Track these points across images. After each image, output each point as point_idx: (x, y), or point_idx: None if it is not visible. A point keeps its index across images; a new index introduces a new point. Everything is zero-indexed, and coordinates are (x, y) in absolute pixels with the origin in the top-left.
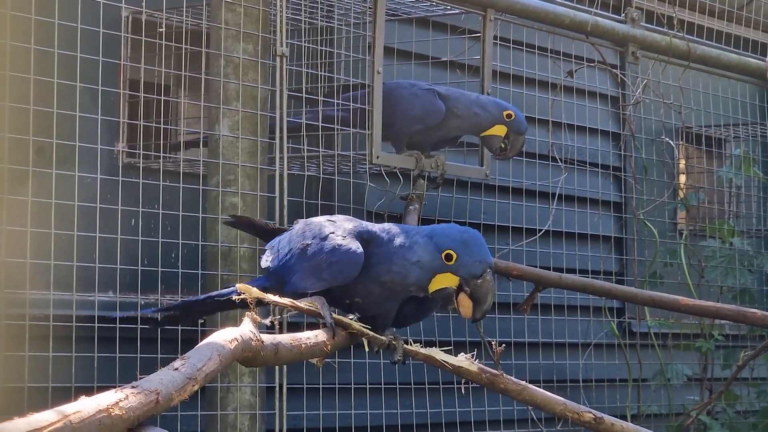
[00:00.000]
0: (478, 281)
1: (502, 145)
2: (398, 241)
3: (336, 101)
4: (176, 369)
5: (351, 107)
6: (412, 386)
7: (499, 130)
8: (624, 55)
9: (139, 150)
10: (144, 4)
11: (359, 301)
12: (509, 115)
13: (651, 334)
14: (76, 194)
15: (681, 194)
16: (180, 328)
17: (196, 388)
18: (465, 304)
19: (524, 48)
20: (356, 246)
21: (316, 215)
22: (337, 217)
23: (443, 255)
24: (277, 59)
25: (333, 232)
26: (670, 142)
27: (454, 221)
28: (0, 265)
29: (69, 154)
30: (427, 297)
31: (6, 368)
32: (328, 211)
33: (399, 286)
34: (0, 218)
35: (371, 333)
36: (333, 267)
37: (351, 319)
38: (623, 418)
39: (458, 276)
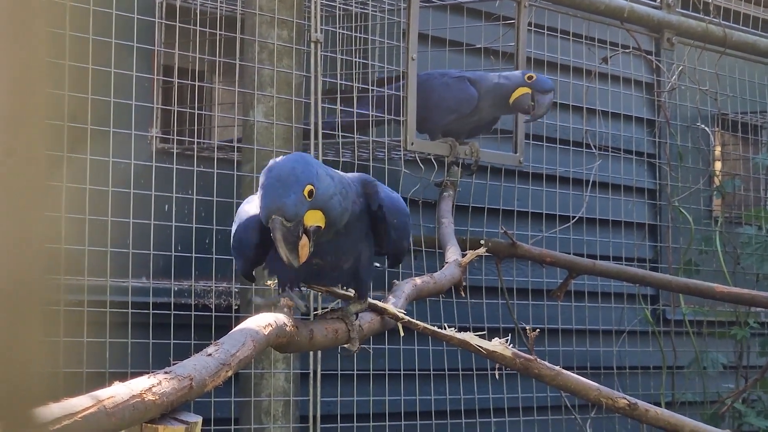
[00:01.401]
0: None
1: (532, 104)
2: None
3: (371, 88)
4: (210, 355)
5: (385, 101)
6: (446, 372)
7: (523, 91)
8: (659, 41)
9: (173, 136)
10: None
11: (319, 261)
12: (530, 77)
13: (686, 321)
14: (110, 180)
15: (716, 181)
16: (214, 313)
17: (229, 374)
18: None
19: (559, 34)
20: None
21: None
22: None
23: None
24: (312, 45)
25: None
26: (706, 128)
27: (487, 208)
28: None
29: (103, 139)
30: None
31: (44, 354)
32: None
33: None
34: (59, 206)
35: (407, 318)
36: None
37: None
38: (657, 405)
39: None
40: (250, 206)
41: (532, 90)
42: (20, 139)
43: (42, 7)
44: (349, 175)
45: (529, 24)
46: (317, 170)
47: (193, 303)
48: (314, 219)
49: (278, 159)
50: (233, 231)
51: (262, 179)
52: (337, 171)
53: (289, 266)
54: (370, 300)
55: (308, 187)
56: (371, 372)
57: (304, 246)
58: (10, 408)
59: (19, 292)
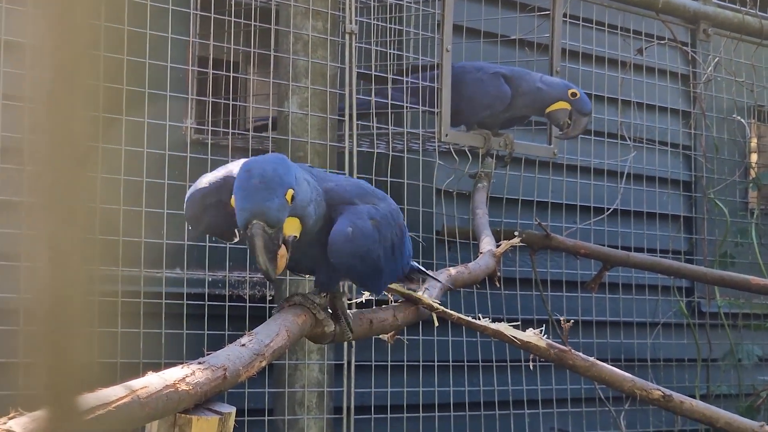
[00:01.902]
0: (247, 234)
1: (568, 121)
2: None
3: (406, 79)
4: (243, 345)
5: (420, 88)
6: (480, 363)
7: (563, 106)
8: (695, 32)
9: (208, 126)
10: None
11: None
12: (573, 94)
13: (721, 314)
14: (145, 170)
15: (752, 173)
16: (248, 304)
17: (263, 364)
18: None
19: (594, 26)
20: None
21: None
22: None
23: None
24: (347, 36)
25: None
26: (742, 120)
27: (522, 200)
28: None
29: (138, 129)
30: None
31: (89, 343)
32: (397, 188)
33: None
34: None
35: (441, 308)
36: None
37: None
38: (692, 398)
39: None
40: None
41: (572, 108)
42: (63, 131)
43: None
44: (337, 180)
45: (565, 15)
46: (295, 173)
47: (227, 294)
48: (292, 228)
49: (256, 158)
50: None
51: (238, 178)
52: (308, 172)
53: (264, 276)
54: (404, 290)
55: (290, 192)
56: (405, 363)
57: (283, 257)
58: (56, 395)
59: (66, 281)
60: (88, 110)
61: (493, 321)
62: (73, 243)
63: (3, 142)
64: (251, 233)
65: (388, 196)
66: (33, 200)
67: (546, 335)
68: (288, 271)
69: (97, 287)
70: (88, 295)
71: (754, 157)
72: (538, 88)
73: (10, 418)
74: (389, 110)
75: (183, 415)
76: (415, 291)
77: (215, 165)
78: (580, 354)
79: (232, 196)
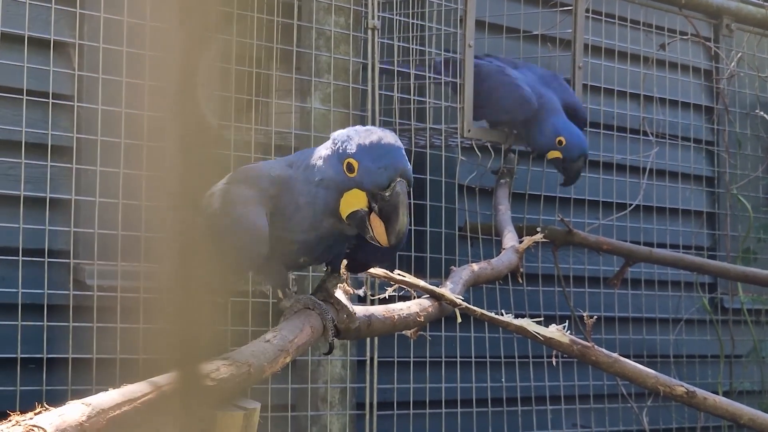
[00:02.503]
0: (386, 194)
1: (563, 167)
2: (307, 163)
3: (429, 74)
4: (268, 341)
5: (443, 81)
6: (502, 359)
7: (555, 155)
8: (718, 27)
9: (231, 122)
10: None
11: (306, 259)
12: (560, 141)
13: (744, 310)
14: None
15: None
16: (271, 300)
17: (287, 360)
18: (378, 228)
19: (616, 21)
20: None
21: None
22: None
23: (344, 165)
24: (369, 32)
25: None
26: (765, 115)
27: (544, 196)
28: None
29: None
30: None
31: (212, 312)
32: (420, 184)
33: (313, 221)
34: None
35: (464, 304)
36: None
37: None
38: (715, 394)
39: (364, 190)
40: (247, 188)
41: (562, 155)
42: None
43: None
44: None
45: (587, 10)
46: None
47: (250, 290)
48: None
49: (364, 126)
50: (237, 217)
51: (366, 138)
52: None
53: (395, 237)
54: (428, 285)
55: None
56: (428, 359)
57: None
58: (185, 361)
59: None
60: (215, 110)
61: (516, 317)
62: (197, 240)
63: (53, 141)
64: (397, 191)
65: None
66: (162, 202)
67: (569, 331)
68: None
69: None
70: (209, 290)
71: None
72: (536, 139)
73: (36, 414)
74: (412, 105)
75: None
76: (438, 287)
77: (238, 161)
78: (603, 350)
79: (351, 159)
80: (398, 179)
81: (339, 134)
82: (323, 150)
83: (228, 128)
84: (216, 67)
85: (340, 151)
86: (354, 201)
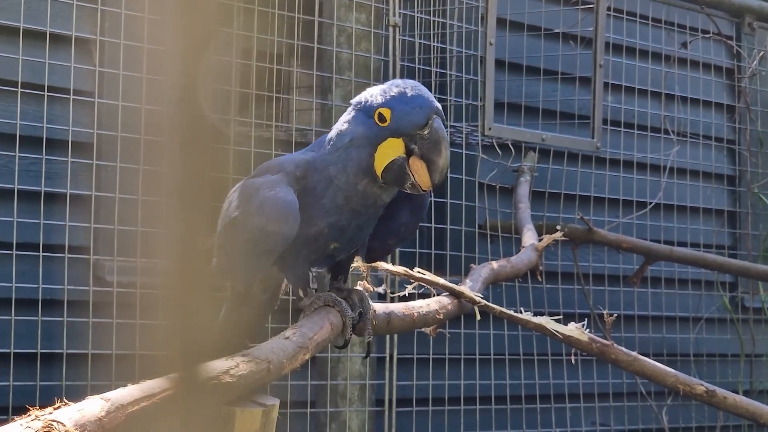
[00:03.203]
0: (425, 132)
1: None
2: (330, 137)
3: (450, 72)
4: (287, 338)
5: (463, 78)
6: (521, 357)
7: None
8: (740, 25)
9: (251, 119)
10: None
11: (336, 246)
12: None
13: (765, 308)
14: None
15: None
16: (291, 297)
17: (307, 357)
18: (419, 170)
19: (638, 19)
20: (284, 193)
21: None
22: (268, 165)
23: (376, 116)
24: (390, 29)
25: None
26: None
27: (564, 194)
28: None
29: None
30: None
31: (211, 314)
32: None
33: (347, 189)
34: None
35: (483, 301)
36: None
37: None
38: (735, 393)
39: (400, 136)
40: (272, 178)
41: None
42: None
43: None
44: None
45: (608, 8)
46: None
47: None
48: None
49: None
50: (263, 199)
51: (394, 85)
52: None
53: (435, 179)
54: (448, 283)
55: None
56: (447, 356)
57: None
58: (186, 362)
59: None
60: (217, 104)
61: (535, 315)
62: (198, 237)
63: (73, 137)
64: (435, 126)
65: None
66: (164, 196)
67: (588, 329)
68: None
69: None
70: (209, 287)
71: None
72: None
73: (56, 409)
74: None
75: (227, 406)
76: (457, 284)
77: (258, 158)
78: (622, 348)
79: (382, 108)
80: (434, 116)
81: (360, 96)
82: (344, 117)
83: (247, 125)
84: (217, 60)
85: (367, 106)
86: (389, 151)
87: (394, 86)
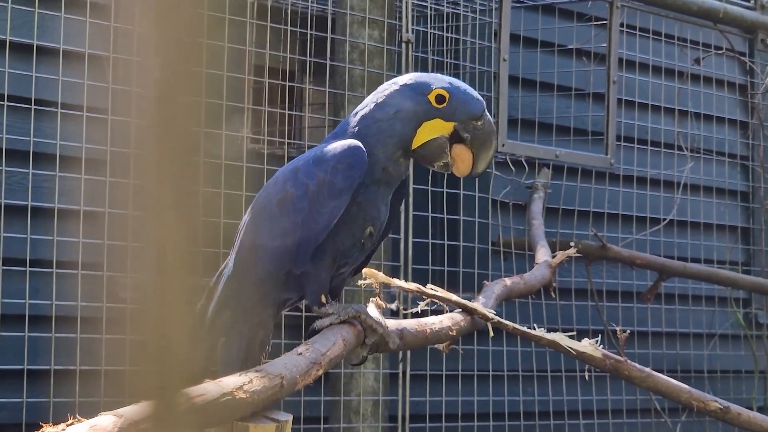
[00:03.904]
0: (479, 123)
1: None
2: (360, 114)
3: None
4: (300, 354)
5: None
6: (535, 373)
7: None
8: (753, 42)
9: (264, 136)
10: None
11: (371, 229)
12: None
13: None
14: (201, 180)
15: None
16: (304, 314)
17: (320, 372)
18: (463, 156)
19: (651, 35)
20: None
21: (441, 203)
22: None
23: (433, 97)
24: (403, 45)
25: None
26: None
27: (578, 210)
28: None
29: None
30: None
31: (189, 341)
32: (453, 199)
33: (386, 162)
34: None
35: (497, 318)
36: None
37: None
38: (749, 410)
39: (453, 120)
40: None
41: None
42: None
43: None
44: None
45: (622, 24)
46: None
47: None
48: None
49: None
50: (323, 157)
51: (450, 81)
52: None
53: (480, 168)
54: (460, 299)
55: None
56: (460, 372)
57: None
58: (161, 390)
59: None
60: (193, 117)
61: (549, 331)
62: (179, 250)
63: (87, 154)
64: (489, 120)
65: None
66: (139, 209)
67: (601, 345)
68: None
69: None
70: (189, 302)
71: None
72: None
73: (68, 425)
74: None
75: (240, 422)
76: (470, 301)
77: (271, 175)
78: (636, 365)
79: (441, 90)
80: (485, 111)
81: (404, 77)
82: (382, 93)
83: (260, 142)
84: (201, 72)
85: (422, 84)
86: (434, 130)
87: (448, 77)
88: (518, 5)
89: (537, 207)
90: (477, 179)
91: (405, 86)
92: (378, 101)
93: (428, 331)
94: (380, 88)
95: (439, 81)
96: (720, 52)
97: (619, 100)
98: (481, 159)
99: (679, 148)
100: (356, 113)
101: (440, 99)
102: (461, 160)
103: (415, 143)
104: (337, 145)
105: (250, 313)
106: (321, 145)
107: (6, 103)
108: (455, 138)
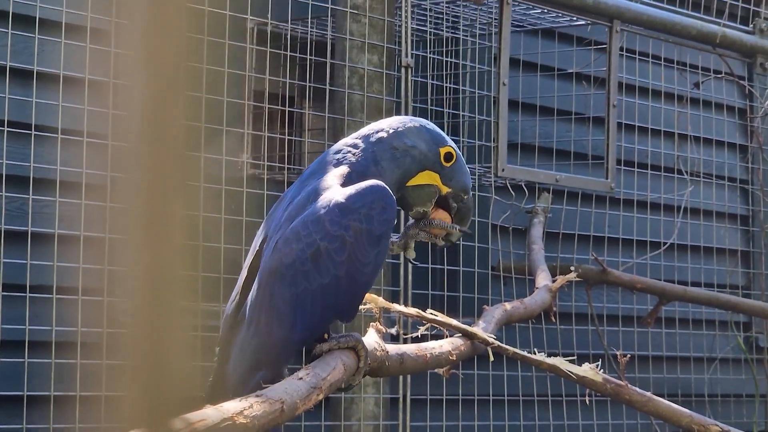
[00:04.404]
0: (466, 197)
1: None
2: (388, 134)
3: (462, 113)
4: (301, 378)
5: (476, 119)
6: (535, 398)
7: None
8: (752, 66)
9: (264, 161)
10: (269, 15)
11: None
12: None
13: None
14: (201, 205)
15: None
16: None
17: (320, 397)
18: (444, 218)
19: (650, 59)
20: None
21: None
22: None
23: (444, 152)
24: (403, 70)
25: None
26: None
27: (578, 234)
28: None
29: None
30: None
31: (185, 366)
32: None
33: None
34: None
35: (497, 342)
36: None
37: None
38: None
39: (449, 186)
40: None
41: None
42: (158, 163)
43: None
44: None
45: (621, 49)
46: None
47: None
48: None
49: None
50: (379, 213)
51: (459, 154)
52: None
53: (453, 239)
54: (460, 324)
55: None
56: (460, 397)
57: None
58: (154, 417)
59: (162, 312)
60: (183, 141)
61: (549, 356)
62: (171, 275)
63: (87, 179)
64: (470, 196)
65: None
66: (129, 233)
67: (602, 370)
68: None
69: (190, 318)
70: (183, 326)
71: None
72: None
73: None
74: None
75: None
76: (470, 326)
77: (271, 200)
78: (637, 389)
79: (451, 149)
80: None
81: (419, 119)
82: (405, 125)
83: (260, 167)
84: (185, 94)
85: (440, 137)
86: (430, 179)
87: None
88: (518, 29)
89: (537, 231)
90: (477, 204)
91: (423, 128)
92: (398, 130)
93: (428, 355)
94: (397, 119)
95: (450, 141)
96: (719, 76)
97: (619, 124)
98: (464, 223)
99: (679, 172)
100: (370, 135)
101: (448, 157)
102: (442, 218)
103: (411, 182)
104: (363, 190)
105: (276, 365)
106: (332, 187)
107: (6, 128)
108: (440, 203)
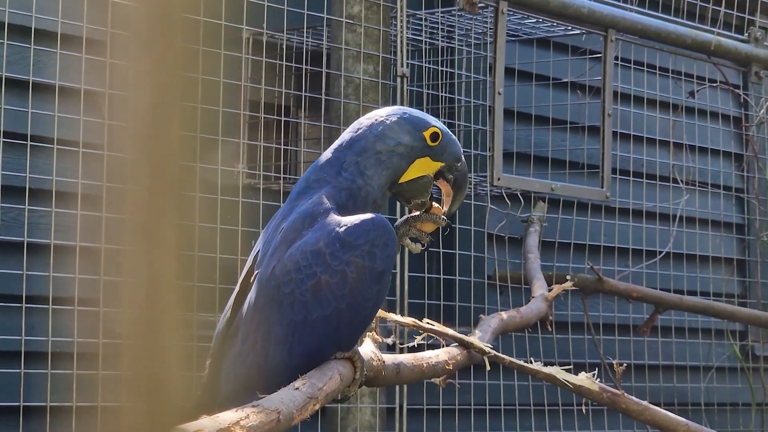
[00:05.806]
0: (459, 164)
1: None
2: (369, 141)
3: (458, 123)
4: (297, 388)
5: (472, 128)
6: (532, 407)
7: None
8: (747, 75)
9: (259, 171)
10: (265, 25)
11: None
12: None
13: None
14: (197, 215)
15: None
16: None
17: (317, 407)
18: (433, 209)
19: (645, 68)
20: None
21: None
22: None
23: (428, 135)
24: (398, 80)
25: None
26: None
27: (574, 243)
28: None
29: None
30: None
31: (181, 378)
32: (448, 234)
33: (376, 195)
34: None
35: (493, 351)
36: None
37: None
38: None
39: (441, 161)
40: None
41: None
42: (158, 174)
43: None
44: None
45: (616, 58)
46: None
47: None
48: None
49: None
50: (383, 247)
51: (438, 124)
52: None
53: (453, 209)
54: (457, 333)
55: None
56: (457, 407)
57: None
58: (151, 427)
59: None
60: (178, 150)
61: (545, 365)
62: (166, 284)
63: (83, 189)
64: (464, 161)
65: None
66: (125, 243)
67: (598, 379)
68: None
69: (186, 329)
70: (179, 336)
71: None
72: None
73: None
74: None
75: None
76: (466, 335)
77: (267, 210)
78: (633, 398)
79: (435, 128)
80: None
81: (395, 108)
82: (378, 120)
83: (256, 177)
84: (192, 106)
85: (421, 121)
86: (422, 169)
87: (430, 115)
88: (513, 39)
89: (533, 240)
90: (472, 213)
91: (402, 119)
92: (378, 133)
93: (425, 365)
94: (374, 119)
95: (431, 119)
96: (714, 84)
97: (615, 133)
98: (456, 199)
99: (675, 181)
100: (351, 144)
101: (434, 137)
102: (433, 212)
103: (403, 178)
104: (365, 224)
105: (272, 389)
106: (327, 213)
107: (2, 139)
108: (440, 175)
